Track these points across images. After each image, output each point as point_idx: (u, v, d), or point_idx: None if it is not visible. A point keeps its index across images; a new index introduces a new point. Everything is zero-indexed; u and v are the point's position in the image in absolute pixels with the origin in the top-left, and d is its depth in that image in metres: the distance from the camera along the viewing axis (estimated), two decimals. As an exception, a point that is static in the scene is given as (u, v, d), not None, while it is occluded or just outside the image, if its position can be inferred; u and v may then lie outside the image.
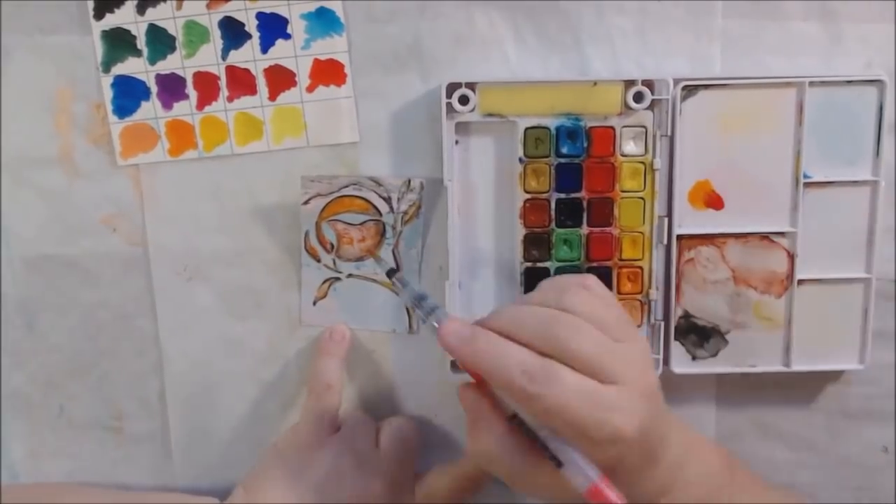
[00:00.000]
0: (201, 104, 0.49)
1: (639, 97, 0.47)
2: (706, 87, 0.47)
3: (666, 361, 0.49)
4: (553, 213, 0.48)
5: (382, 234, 0.50)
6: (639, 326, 0.49)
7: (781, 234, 0.48)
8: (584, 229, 0.48)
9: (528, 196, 0.48)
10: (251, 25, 0.48)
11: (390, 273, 0.46)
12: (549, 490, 0.39)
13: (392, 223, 0.50)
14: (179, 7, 0.48)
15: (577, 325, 0.37)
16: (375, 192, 0.49)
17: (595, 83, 0.47)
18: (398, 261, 0.50)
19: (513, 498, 0.53)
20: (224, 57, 0.49)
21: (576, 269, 0.49)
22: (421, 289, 0.44)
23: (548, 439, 0.37)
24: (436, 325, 0.40)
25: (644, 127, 0.47)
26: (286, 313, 0.51)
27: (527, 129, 0.47)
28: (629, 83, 0.47)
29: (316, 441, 0.47)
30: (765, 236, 0.48)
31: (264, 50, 0.49)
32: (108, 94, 0.49)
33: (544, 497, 0.40)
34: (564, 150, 0.47)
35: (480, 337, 0.38)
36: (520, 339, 0.37)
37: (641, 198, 0.48)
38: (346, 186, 0.49)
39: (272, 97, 0.49)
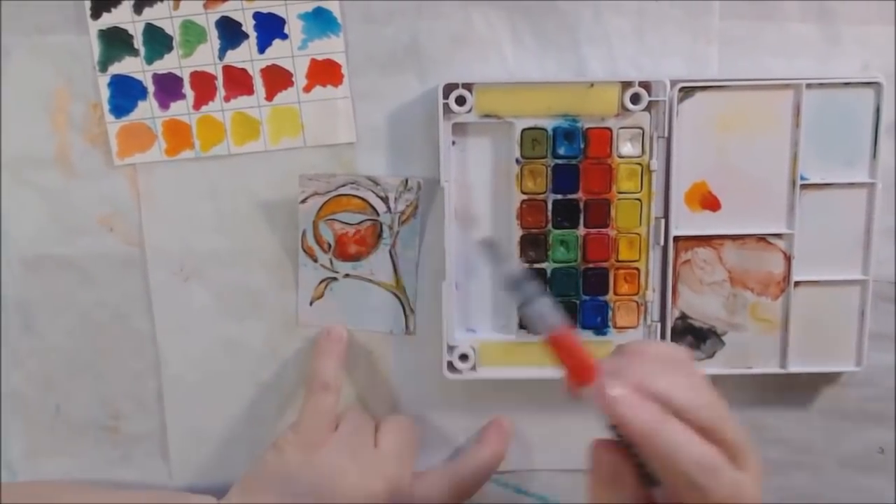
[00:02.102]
0: (198, 104, 0.49)
1: (636, 98, 0.47)
2: (703, 88, 0.47)
3: (662, 363, 0.49)
4: (550, 214, 0.48)
5: (379, 234, 0.50)
6: (635, 328, 0.49)
7: (778, 235, 0.48)
8: (581, 230, 0.48)
9: (525, 197, 0.48)
10: (248, 25, 0.48)
11: (485, 244, 0.41)
12: None
13: (389, 223, 0.50)
14: (176, 7, 0.48)
15: (726, 414, 0.37)
16: (373, 192, 0.49)
17: (592, 84, 0.47)
18: (395, 261, 0.50)
19: (513, 499, 0.53)
20: (221, 57, 0.49)
21: (573, 271, 0.49)
22: (518, 269, 0.40)
23: None
24: (530, 313, 0.37)
25: (641, 128, 0.47)
26: (283, 313, 0.51)
27: (524, 129, 0.47)
28: (626, 84, 0.47)
29: (315, 440, 0.46)
30: (761, 238, 0.48)
31: (261, 50, 0.49)
32: (105, 93, 0.49)
33: None
34: (561, 151, 0.47)
35: (669, 426, 0.36)
36: (689, 422, 0.36)
37: (638, 199, 0.48)
38: (344, 185, 0.49)
39: (269, 97, 0.49)
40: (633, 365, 0.38)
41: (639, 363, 0.38)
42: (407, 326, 0.51)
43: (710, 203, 0.48)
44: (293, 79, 0.49)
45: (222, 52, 0.49)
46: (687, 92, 0.47)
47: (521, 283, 0.38)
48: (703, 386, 0.38)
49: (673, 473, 0.36)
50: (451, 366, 0.49)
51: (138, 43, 0.49)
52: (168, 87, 0.49)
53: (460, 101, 0.47)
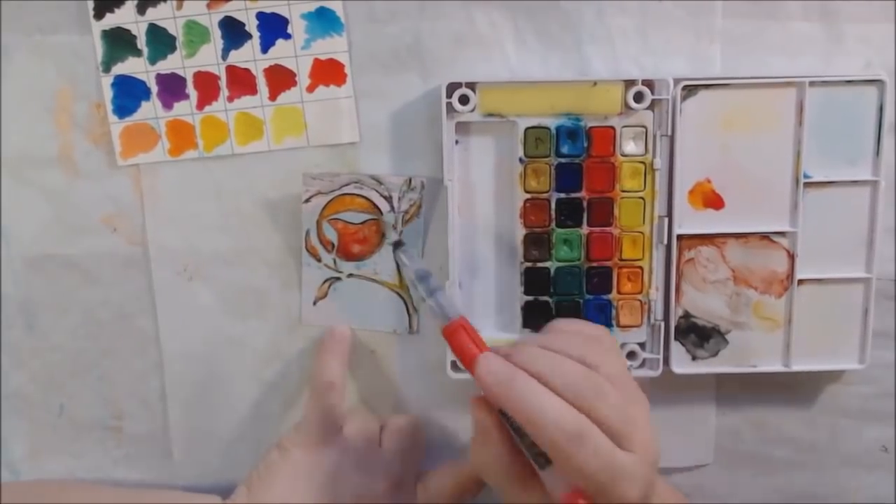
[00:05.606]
0: (201, 104, 0.49)
1: (639, 97, 0.47)
2: (706, 86, 0.47)
3: (666, 361, 0.49)
4: (553, 212, 0.48)
5: (383, 233, 0.50)
6: (638, 326, 0.49)
7: (781, 233, 0.48)
8: (585, 229, 0.48)
9: (529, 196, 0.48)
10: (251, 25, 0.48)
11: (396, 245, 0.46)
12: None
13: (393, 222, 0.50)
14: (180, 7, 0.48)
15: (602, 387, 0.38)
16: (376, 191, 0.49)
17: (595, 83, 0.47)
18: (398, 261, 0.50)
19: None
20: (224, 57, 0.49)
21: (576, 270, 0.49)
22: (425, 267, 0.45)
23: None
24: (431, 305, 0.43)
25: (644, 127, 0.47)
26: (287, 313, 0.51)
27: (527, 128, 0.47)
28: (629, 83, 0.47)
29: (319, 440, 0.47)
30: (765, 236, 0.48)
31: (264, 50, 0.49)
32: (109, 93, 0.49)
33: None
34: (565, 150, 0.47)
35: (519, 382, 0.38)
36: (553, 390, 0.38)
37: (641, 198, 0.48)
38: (348, 185, 0.49)
39: (272, 97, 0.49)
40: (538, 338, 0.41)
41: (547, 338, 0.41)
42: (410, 326, 0.51)
43: (714, 201, 0.48)
44: (296, 78, 0.49)
45: (225, 52, 0.49)
46: (690, 90, 0.47)
47: (425, 278, 0.44)
48: (599, 362, 0.39)
49: (539, 436, 0.37)
50: (454, 365, 0.49)
51: (141, 43, 0.49)
52: (171, 88, 0.49)
53: (463, 100, 0.47)
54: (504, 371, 0.38)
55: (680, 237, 0.48)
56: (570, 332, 0.42)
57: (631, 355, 0.49)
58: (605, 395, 0.38)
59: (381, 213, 0.50)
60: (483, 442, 0.40)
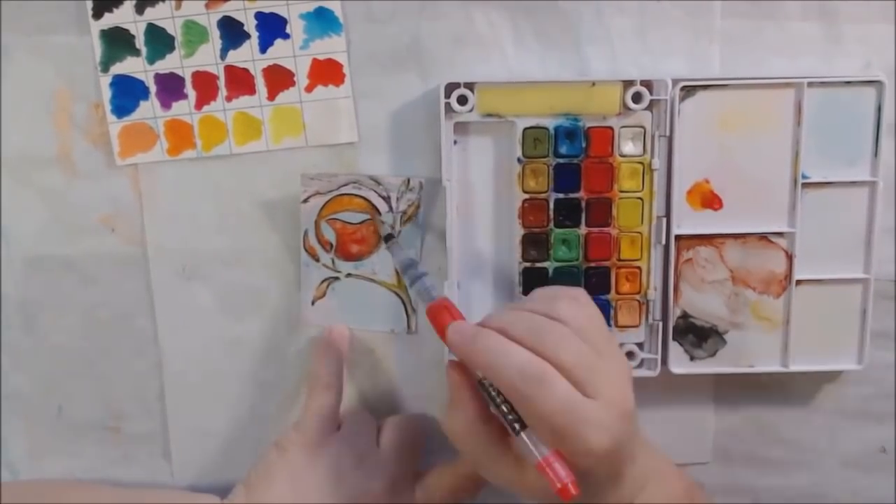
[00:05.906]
0: (200, 104, 0.49)
1: (637, 97, 0.47)
2: (705, 87, 0.47)
3: (664, 361, 0.49)
4: (551, 213, 0.48)
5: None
6: (637, 326, 0.49)
7: (780, 234, 0.48)
8: (583, 229, 0.48)
9: (527, 196, 0.48)
10: (250, 25, 0.48)
11: (387, 238, 0.48)
12: (509, 479, 0.41)
13: (391, 223, 0.50)
14: (178, 7, 0.48)
15: (565, 334, 0.39)
16: (375, 192, 0.49)
17: (594, 83, 0.47)
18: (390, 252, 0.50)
19: (513, 499, 0.53)
20: (223, 57, 0.49)
21: (575, 270, 0.49)
22: (412, 256, 0.46)
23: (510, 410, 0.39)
24: (417, 290, 0.45)
25: (643, 127, 0.47)
26: (285, 313, 0.51)
27: (525, 129, 0.47)
28: (628, 83, 0.47)
29: (317, 440, 0.47)
30: (763, 236, 0.48)
31: (263, 50, 0.49)
32: (107, 93, 0.49)
33: (504, 485, 0.42)
34: (563, 151, 0.47)
35: (482, 335, 0.39)
36: (515, 339, 0.39)
37: (640, 198, 0.48)
38: (346, 185, 0.49)
39: (271, 97, 0.49)
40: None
41: (521, 301, 0.42)
42: (409, 326, 0.51)
43: (712, 202, 0.48)
44: (295, 78, 0.49)
45: (224, 52, 0.49)
46: (688, 91, 0.47)
47: (409, 266, 0.46)
48: (569, 317, 0.40)
49: (501, 382, 0.38)
50: (453, 365, 0.49)
51: (140, 43, 0.49)
52: (170, 87, 0.49)
53: (462, 100, 0.47)
54: (469, 330, 0.40)
55: (678, 237, 0.48)
56: (544, 294, 0.43)
57: (629, 355, 0.49)
58: (567, 342, 0.39)
59: (379, 213, 0.50)
60: (456, 406, 0.41)
